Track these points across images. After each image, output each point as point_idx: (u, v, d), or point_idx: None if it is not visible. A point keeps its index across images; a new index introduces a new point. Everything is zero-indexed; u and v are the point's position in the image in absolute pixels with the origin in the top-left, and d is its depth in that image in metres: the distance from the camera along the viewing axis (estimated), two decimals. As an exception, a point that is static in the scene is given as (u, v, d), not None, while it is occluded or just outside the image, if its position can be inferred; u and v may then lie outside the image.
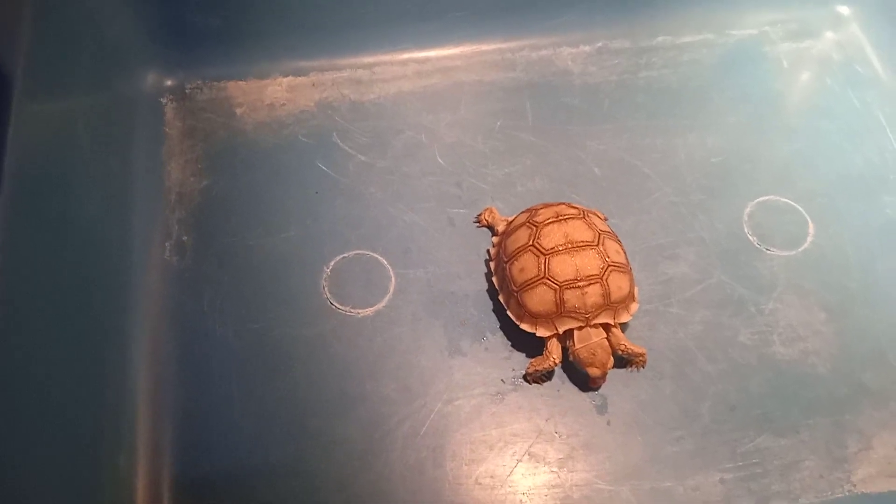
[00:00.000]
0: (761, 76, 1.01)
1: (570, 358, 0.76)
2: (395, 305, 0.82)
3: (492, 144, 0.93)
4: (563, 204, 0.81)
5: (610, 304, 0.75)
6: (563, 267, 0.74)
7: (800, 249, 0.87)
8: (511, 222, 0.82)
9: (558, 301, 0.74)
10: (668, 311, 0.82)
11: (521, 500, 0.72)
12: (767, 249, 0.86)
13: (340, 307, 0.82)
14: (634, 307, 0.77)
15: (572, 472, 0.74)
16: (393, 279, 0.83)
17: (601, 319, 0.75)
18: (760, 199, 0.90)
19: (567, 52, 1.01)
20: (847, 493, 0.73)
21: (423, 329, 0.81)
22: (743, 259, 0.86)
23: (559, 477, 0.73)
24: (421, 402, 0.77)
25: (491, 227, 0.86)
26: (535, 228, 0.77)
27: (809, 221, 0.88)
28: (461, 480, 0.73)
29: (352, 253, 0.85)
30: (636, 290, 0.78)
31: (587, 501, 0.72)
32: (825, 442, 0.76)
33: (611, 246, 0.77)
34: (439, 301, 0.82)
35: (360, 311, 0.82)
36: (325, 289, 0.83)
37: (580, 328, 0.75)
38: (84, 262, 0.75)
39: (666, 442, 0.75)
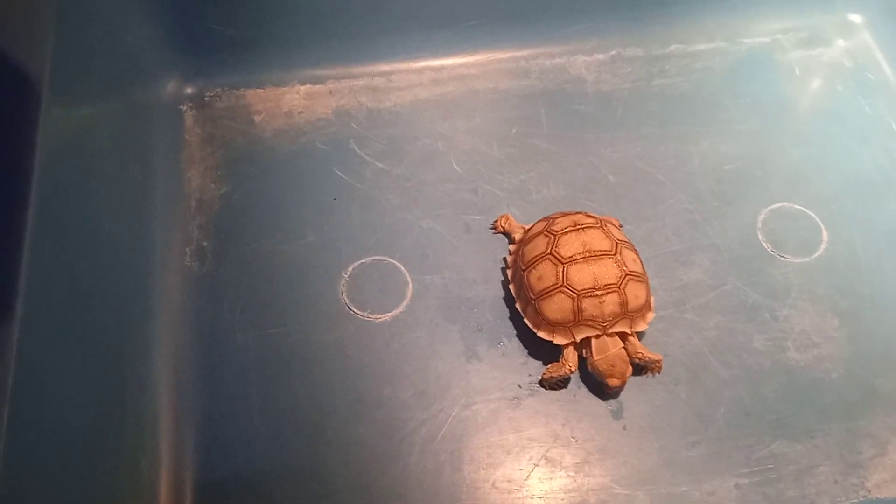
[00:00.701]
0: (773, 83, 1.02)
1: (589, 369, 0.76)
2: (413, 311, 0.83)
3: (507, 151, 0.94)
4: (580, 213, 0.82)
5: (627, 312, 0.75)
6: (582, 275, 0.75)
7: (813, 256, 0.87)
8: (528, 230, 0.83)
9: (576, 309, 0.75)
10: (683, 317, 0.83)
11: (538, 504, 0.73)
12: (781, 256, 0.87)
13: (358, 312, 0.83)
14: (651, 316, 0.78)
15: (588, 476, 0.74)
16: (410, 285, 0.84)
17: (618, 328, 0.75)
18: (774, 205, 0.91)
19: (581, 60, 1.02)
20: (861, 499, 0.74)
21: (441, 334, 0.82)
22: (757, 266, 0.86)
23: (575, 481, 0.74)
24: (438, 406, 0.78)
25: (507, 234, 0.87)
26: (553, 237, 0.78)
27: (823, 228, 0.89)
28: (478, 484, 0.74)
29: (369, 259, 0.86)
30: (652, 298, 0.79)
31: (603, 505, 0.73)
32: (839, 447, 0.76)
33: (628, 255, 0.78)
34: (456, 307, 0.83)
35: (377, 316, 0.83)
36: (343, 294, 0.84)
37: (597, 337, 0.75)
38: (106, 267, 0.76)
39: (681, 447, 0.76)
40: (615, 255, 0.76)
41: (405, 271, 0.85)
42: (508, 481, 0.74)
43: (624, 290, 0.75)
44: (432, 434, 0.76)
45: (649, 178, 0.93)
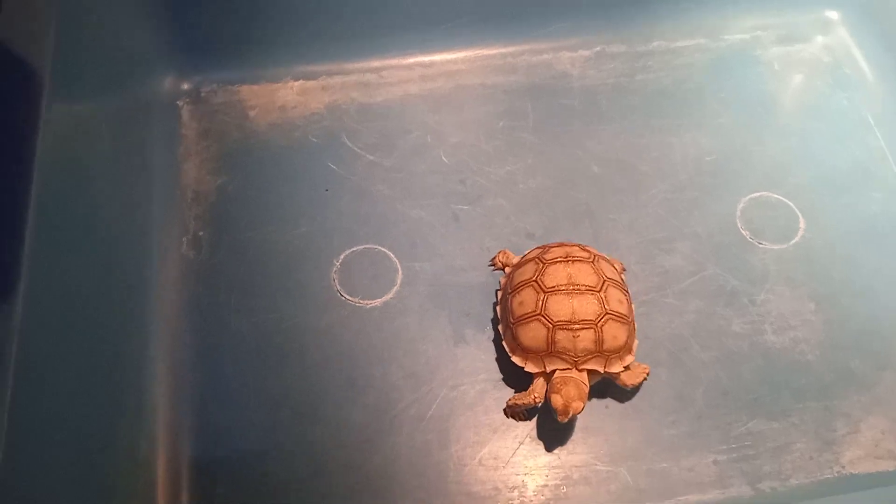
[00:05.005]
0: (753, 79, 1.04)
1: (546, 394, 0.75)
2: (403, 297, 0.85)
3: (494, 144, 0.97)
4: (577, 245, 0.81)
5: (602, 351, 0.74)
6: (560, 307, 0.74)
7: (790, 243, 0.90)
8: (524, 256, 0.83)
9: (549, 340, 0.74)
10: (664, 301, 0.86)
11: (522, 481, 0.75)
12: (759, 243, 0.90)
13: (350, 298, 0.85)
14: (629, 359, 0.76)
15: (572, 453, 0.77)
16: (400, 272, 0.87)
17: (590, 365, 0.74)
18: (753, 195, 0.93)
19: (566, 56, 1.05)
20: (836, 474, 0.76)
21: (429, 319, 0.84)
22: (736, 252, 0.89)
23: (559, 458, 0.77)
24: (427, 388, 0.80)
25: (504, 269, 0.85)
26: (541, 265, 0.78)
27: (800, 216, 0.92)
28: (465, 461, 0.76)
29: (361, 247, 0.88)
30: (635, 343, 0.77)
31: (586, 481, 0.75)
32: (815, 425, 0.79)
33: (613, 294, 0.76)
34: (444, 293, 0.86)
35: (368, 302, 0.85)
36: (335, 281, 0.86)
37: (567, 370, 0.74)
38: (105, 256, 0.78)
39: (662, 425, 0.78)
40: (599, 291, 0.75)
41: (395, 259, 0.88)
42: (495, 458, 0.77)
43: (601, 328, 0.74)
44: (421, 414, 0.79)
45: (632, 169, 0.95)
